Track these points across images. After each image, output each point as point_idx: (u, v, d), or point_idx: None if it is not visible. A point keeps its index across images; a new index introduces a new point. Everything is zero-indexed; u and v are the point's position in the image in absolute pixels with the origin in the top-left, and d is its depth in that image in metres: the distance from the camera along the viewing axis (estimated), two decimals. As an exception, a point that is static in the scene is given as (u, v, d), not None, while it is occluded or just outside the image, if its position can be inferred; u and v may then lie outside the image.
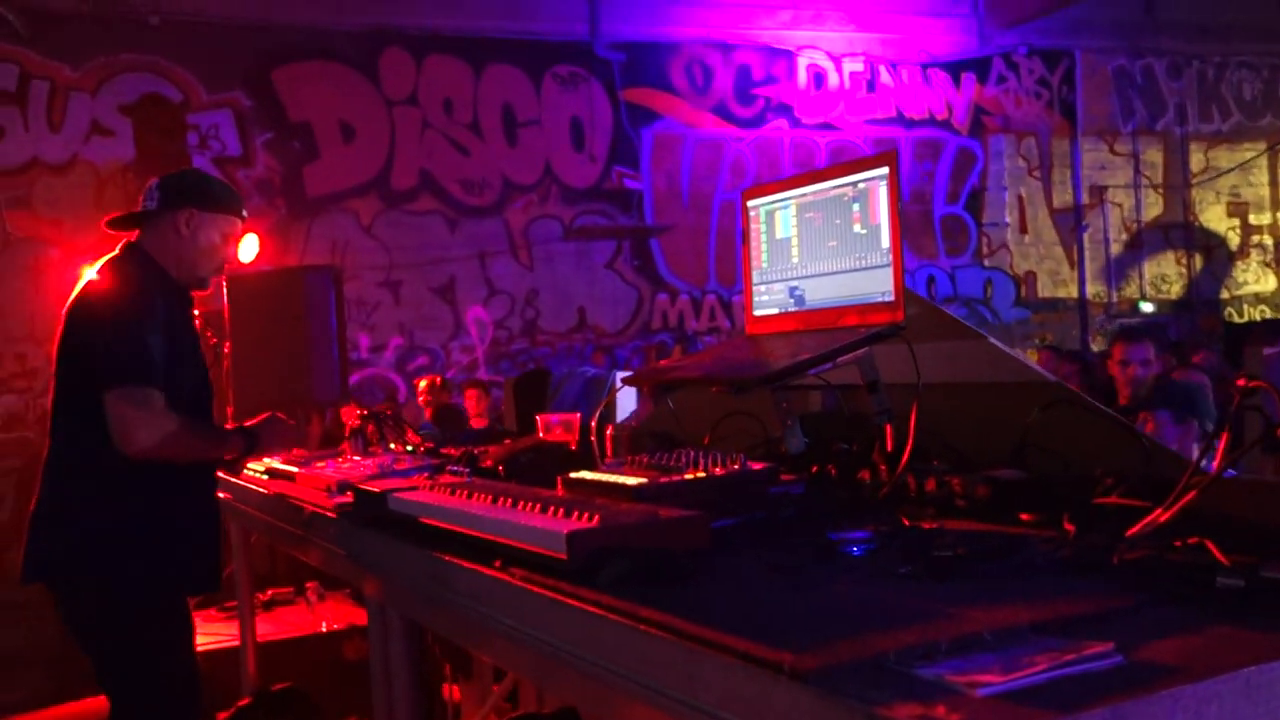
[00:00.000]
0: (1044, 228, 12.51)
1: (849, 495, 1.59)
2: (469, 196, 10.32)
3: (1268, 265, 13.34)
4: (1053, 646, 0.86)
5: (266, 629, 3.44)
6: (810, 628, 0.96)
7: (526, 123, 10.61)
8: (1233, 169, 13.16)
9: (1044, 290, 12.44)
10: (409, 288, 10.03)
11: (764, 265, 1.83)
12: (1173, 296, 13.00)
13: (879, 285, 1.62)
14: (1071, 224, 12.60)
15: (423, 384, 7.99)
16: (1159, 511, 1.20)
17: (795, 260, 1.77)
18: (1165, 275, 13.03)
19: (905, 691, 0.78)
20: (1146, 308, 12.81)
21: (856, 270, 1.65)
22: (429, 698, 3.17)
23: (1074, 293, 12.62)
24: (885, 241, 1.61)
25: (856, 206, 1.64)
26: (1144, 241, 12.88)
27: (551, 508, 1.35)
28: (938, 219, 12.10)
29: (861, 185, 1.64)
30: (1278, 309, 13.16)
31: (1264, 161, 13.27)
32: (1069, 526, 1.27)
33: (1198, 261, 13.09)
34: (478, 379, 9.04)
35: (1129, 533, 1.19)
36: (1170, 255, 13.02)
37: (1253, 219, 13.35)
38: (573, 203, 10.66)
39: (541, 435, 2.35)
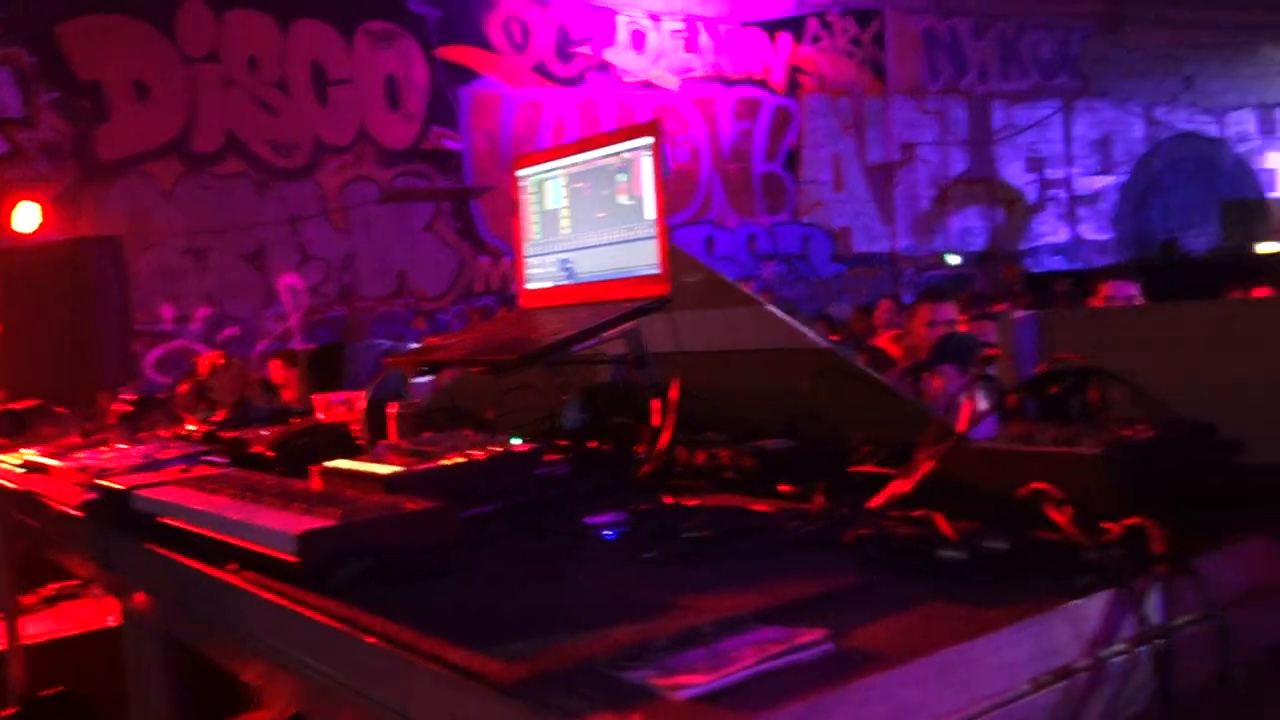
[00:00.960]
0: (858, 184, 12.88)
1: (617, 474, 1.56)
2: (278, 158, 9.91)
3: (1063, 218, 14.11)
4: (768, 637, 0.85)
5: (44, 628, 3.23)
6: (537, 627, 0.93)
7: (338, 81, 10.24)
8: (1031, 126, 13.82)
9: (859, 245, 12.84)
10: (216, 255, 9.58)
11: (535, 237, 1.79)
12: (978, 249, 13.62)
13: (645, 257, 1.60)
14: (884, 180, 13.01)
15: (209, 360, 7.61)
16: (899, 481, 1.21)
17: (566, 232, 1.73)
18: (971, 229, 13.62)
19: (607, 699, 0.76)
20: (953, 260, 13.39)
21: (623, 242, 1.62)
22: None
23: (887, 247, 13.06)
24: (650, 213, 1.58)
25: (622, 177, 1.61)
26: (951, 196, 13.42)
27: (295, 504, 1.28)
28: (757, 177, 12.30)
29: (626, 155, 1.60)
30: (1070, 258, 13.95)
31: (1059, 118, 13.98)
32: (818, 500, 1.28)
33: (1000, 215, 13.74)
34: (288, 349, 8.69)
35: (870, 504, 1.21)
36: (975, 209, 13.62)
37: (1049, 174, 14.07)
38: (390, 164, 10.36)
39: (321, 416, 2.25)
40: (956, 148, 13.43)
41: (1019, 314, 1.60)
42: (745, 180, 12.19)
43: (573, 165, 1.70)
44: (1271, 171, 15.32)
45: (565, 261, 1.74)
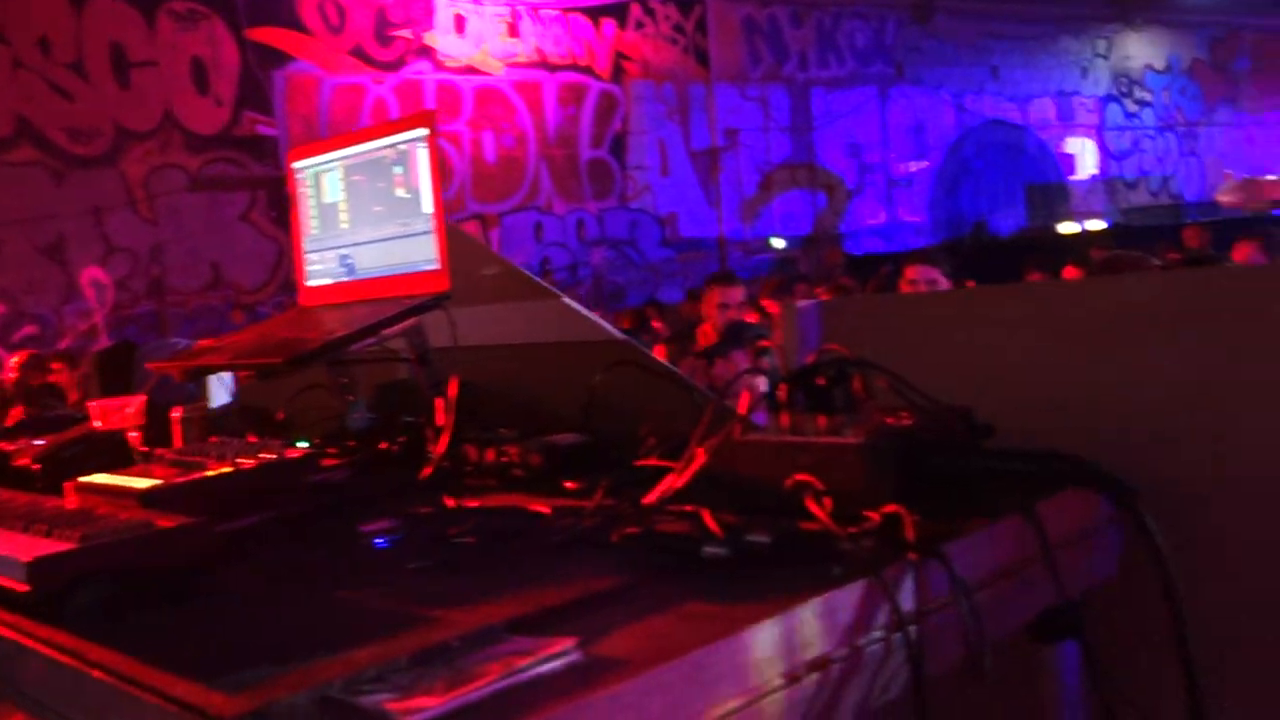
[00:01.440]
0: (684, 169, 13.02)
1: (402, 477, 1.52)
2: (76, 145, 9.33)
3: (881, 201, 14.60)
4: (516, 649, 0.83)
5: None
6: (279, 650, 0.88)
7: (140, 64, 9.70)
8: (849, 113, 14.25)
9: (687, 230, 12.98)
10: (10, 248, 8.96)
11: (314, 231, 1.71)
12: (801, 233, 13.97)
13: (424, 253, 1.55)
14: (710, 166, 13.19)
15: (14, 359, 7.16)
16: (673, 476, 1.21)
17: (344, 226, 1.66)
18: (794, 213, 13.96)
19: (336, 728, 0.72)
20: (778, 244, 13.69)
21: (402, 237, 1.56)
22: None
23: (714, 232, 13.26)
24: (427, 206, 1.53)
25: (398, 169, 1.55)
26: (774, 181, 13.72)
27: (37, 525, 1.18)
28: (584, 163, 12.29)
29: (402, 147, 1.55)
30: (888, 240, 14.46)
31: (875, 105, 14.45)
32: (596, 497, 1.26)
33: (822, 199, 14.12)
34: (65, 350, 8.15)
35: (645, 500, 1.20)
36: (797, 194, 13.96)
37: (867, 159, 14.54)
38: (199, 150, 9.90)
39: (97, 424, 2.11)
40: (778, 133, 13.72)
41: (802, 303, 1.62)
42: (572, 166, 12.16)
43: (349, 157, 1.63)
44: (1070, 156, 16.22)
45: (345, 257, 1.67)
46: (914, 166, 14.83)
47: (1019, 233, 15.05)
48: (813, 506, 1.04)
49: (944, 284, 4.64)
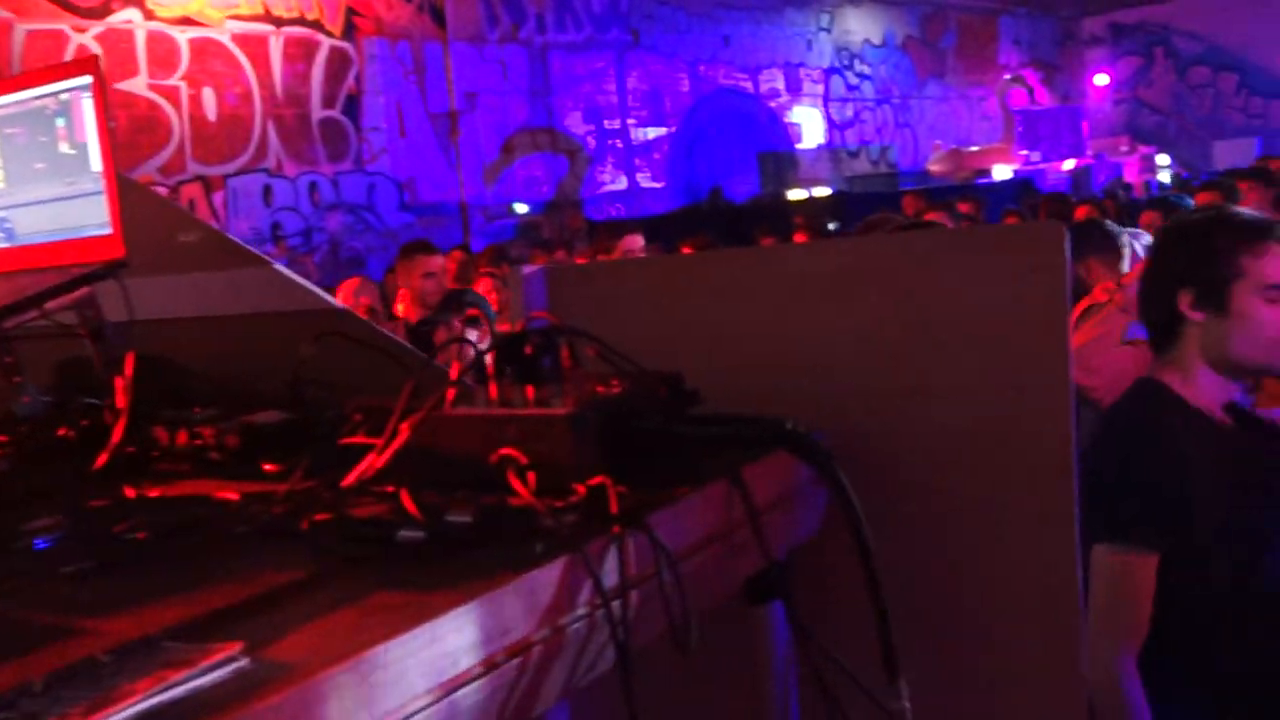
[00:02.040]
0: (422, 132, 12.70)
1: (77, 467, 1.36)
2: None
3: (620, 166, 14.79)
4: (175, 659, 0.74)
5: None
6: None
7: None
8: (588, 77, 14.30)
9: (426, 195, 12.69)
10: None
11: (-34, 192, 1.51)
12: (543, 198, 13.95)
13: (94, 216, 1.39)
14: (449, 129, 12.93)
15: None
16: (373, 455, 1.13)
17: (1, 186, 1.47)
18: (536, 177, 13.91)
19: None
20: (520, 209, 13.63)
21: (68, 198, 1.40)
22: None
23: (455, 196, 13.04)
24: (96, 164, 1.38)
25: (61, 122, 1.38)
26: (515, 146, 13.61)
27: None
28: (315, 123, 11.76)
29: (64, 97, 1.38)
30: (629, 206, 14.68)
31: (613, 71, 14.58)
32: (296, 480, 1.17)
33: (563, 164, 14.14)
34: None
35: (344, 482, 1.12)
36: (539, 158, 13.92)
37: (607, 124, 14.66)
38: None
39: None
40: (518, 97, 13.61)
41: (527, 269, 1.57)
42: (303, 126, 11.61)
43: (3, 107, 1.44)
44: (797, 125, 16.96)
45: (3, 221, 1.48)
46: (652, 133, 15.09)
47: (752, 199, 15.63)
48: (515, 482, 0.99)
49: (643, 253, 4.78)
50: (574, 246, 10.02)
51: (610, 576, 0.94)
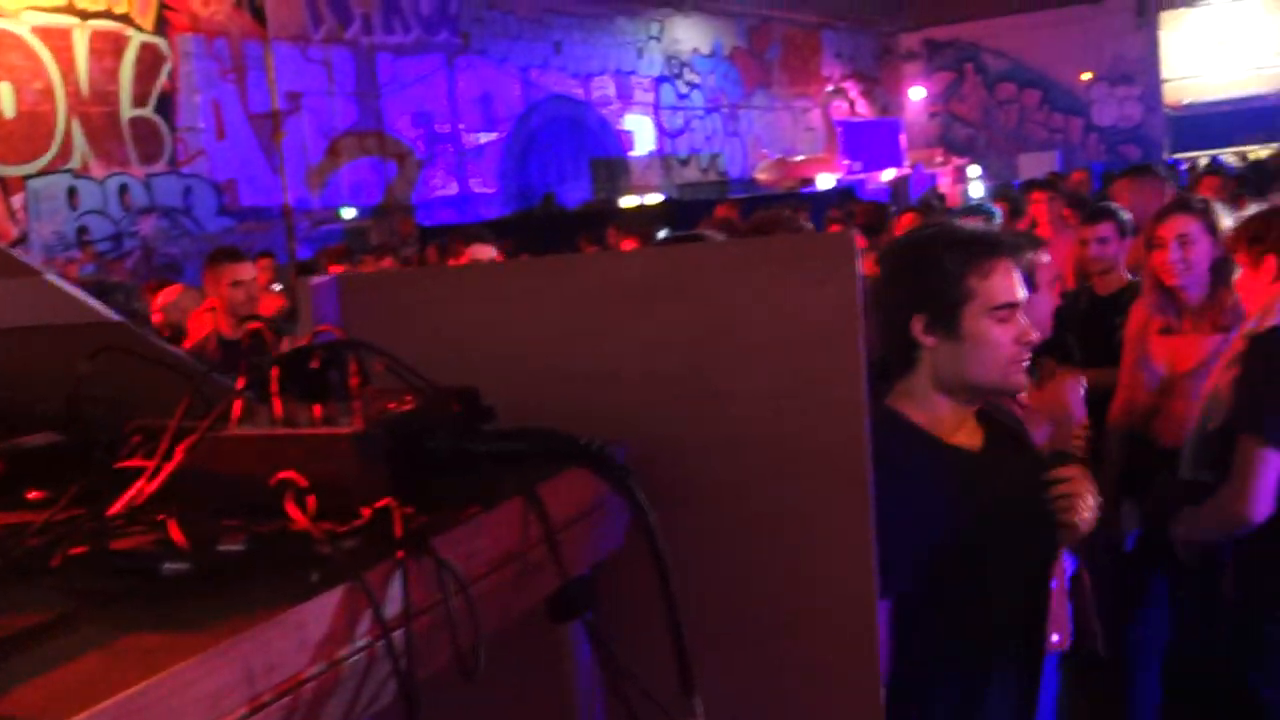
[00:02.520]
0: (243, 133, 12.25)
1: None
2: None
3: (452, 172, 14.60)
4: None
5: None
6: None
7: None
8: (417, 81, 14.07)
9: (247, 198, 12.24)
10: None
11: None
12: (372, 203, 13.65)
13: None
14: (271, 130, 12.50)
15: None
16: (143, 480, 1.06)
17: None
18: (363, 181, 13.60)
19: None
20: (348, 213, 13.29)
21: None
22: None
23: (279, 200, 12.61)
24: None
25: None
26: (342, 149, 13.27)
27: None
28: (125, 122, 11.19)
29: None
30: (460, 211, 14.52)
31: (443, 75, 14.39)
32: (54, 510, 1.08)
33: (392, 168, 13.87)
34: None
35: (111, 510, 1.04)
36: (366, 162, 13.61)
37: (437, 128, 14.46)
38: None
39: None
40: (345, 98, 13.27)
41: (317, 279, 1.50)
42: (112, 125, 11.03)
43: None
44: (629, 133, 17.11)
45: None
46: (483, 138, 14.97)
47: (584, 205, 15.68)
48: (291, 508, 0.94)
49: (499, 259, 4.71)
50: (401, 252, 9.82)
51: (394, 604, 0.90)
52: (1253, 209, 3.25)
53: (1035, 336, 2.02)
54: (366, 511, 0.97)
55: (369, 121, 13.62)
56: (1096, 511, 2.05)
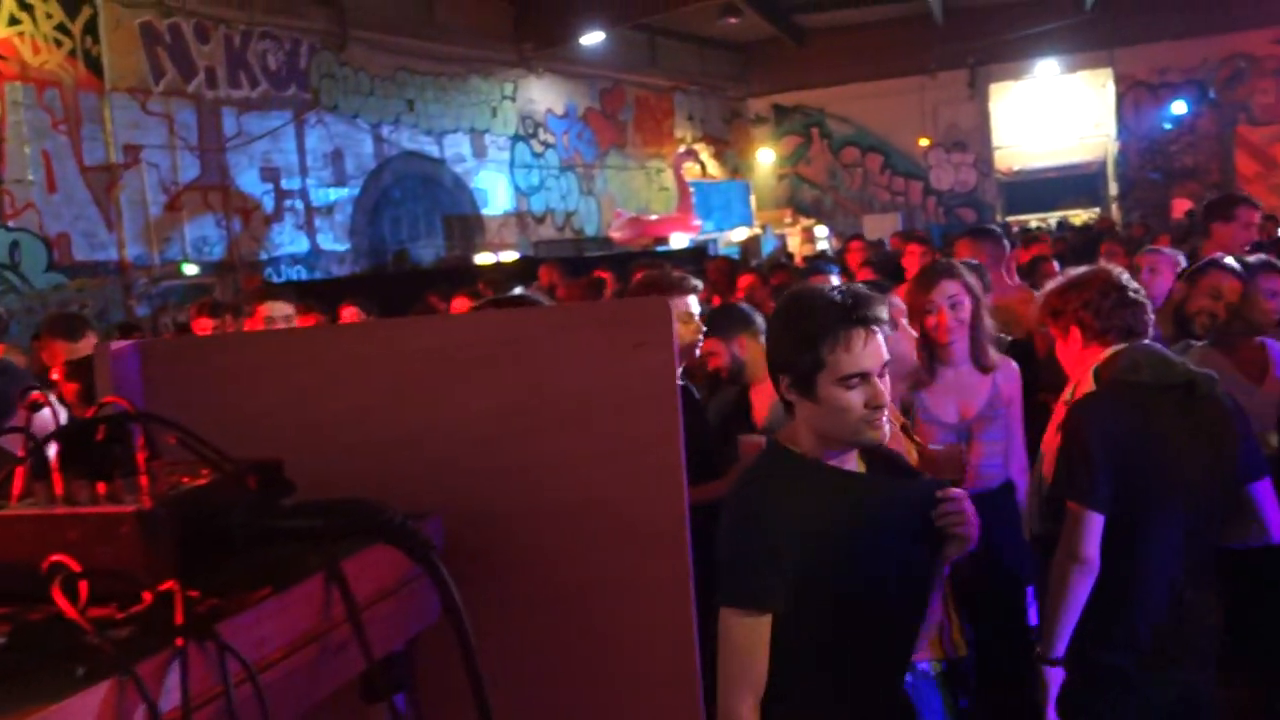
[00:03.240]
0: (76, 186, 11.73)
1: None
2: None
3: (300, 228, 14.28)
4: None
5: None
6: None
7: None
8: (264, 135, 13.75)
9: (80, 254, 11.70)
10: None
11: None
12: (215, 258, 13.21)
13: None
14: (106, 183, 12.01)
15: None
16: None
17: None
18: (207, 237, 13.17)
19: None
20: (190, 270, 12.83)
21: None
22: None
23: (115, 256, 12.09)
24: None
25: None
26: (184, 203, 12.83)
27: None
28: (-55, 174, 10.59)
29: None
30: (311, 267, 14.19)
31: (292, 130, 14.11)
32: None
33: (238, 224, 13.47)
34: None
35: None
36: (210, 217, 13.19)
37: (286, 184, 14.14)
38: None
39: None
40: (187, 153, 12.86)
41: (116, 344, 1.43)
42: (-70, 177, 10.42)
43: None
44: (484, 190, 17.07)
45: None
46: (334, 194, 14.71)
47: (438, 262, 15.53)
48: (58, 596, 0.88)
49: (296, 321, 4.58)
50: (244, 310, 9.52)
51: (172, 696, 0.85)
52: (1053, 282, 3.41)
53: (886, 399, 2.15)
54: (149, 596, 0.91)
55: (214, 176, 13.22)
56: (978, 529, 2.17)
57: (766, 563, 2.06)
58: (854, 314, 2.11)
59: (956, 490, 2.20)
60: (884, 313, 2.19)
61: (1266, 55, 19.78)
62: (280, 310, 4.34)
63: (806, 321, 2.12)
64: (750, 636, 2.05)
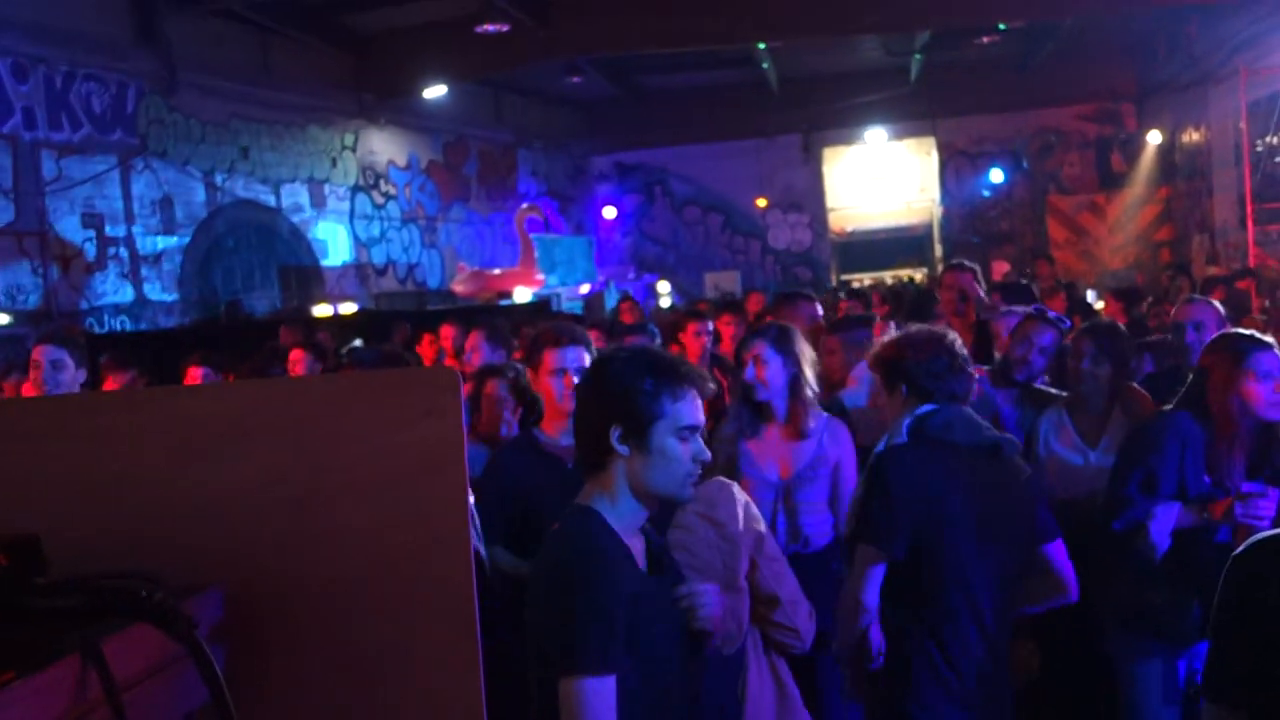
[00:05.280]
0: (-127, 230, 10.98)
1: None
2: None
3: (125, 276, 13.69)
4: None
5: None
6: None
7: None
8: (87, 180, 13.18)
9: (-125, 302, 10.93)
10: None
11: None
12: (30, 308, 12.53)
13: None
14: (-91, 227, 11.29)
15: None
16: None
17: None
18: (22, 285, 12.49)
19: None
20: (2, 319, 12.13)
21: None
22: None
23: (-84, 304, 11.34)
24: None
25: None
26: (-2, 250, 12.17)
27: None
28: None
29: None
30: (136, 317, 13.60)
31: (117, 175, 13.56)
32: None
33: (55, 272, 12.82)
34: None
35: None
36: (26, 264, 12.53)
37: (109, 231, 13.55)
38: None
39: None
40: (0, 196, 12.21)
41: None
42: None
43: None
44: (323, 241, 16.73)
45: None
46: (162, 242, 14.18)
47: (275, 313, 15.10)
48: None
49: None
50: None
51: (-109, 793, 0.80)
52: (888, 336, 3.56)
53: (708, 457, 2.29)
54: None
55: (30, 222, 12.57)
56: (719, 611, 2.25)
57: (606, 624, 2.11)
58: (691, 375, 2.26)
59: (698, 586, 2.33)
60: (706, 381, 2.31)
61: (1073, 130, 21.22)
62: (50, 354, 4.19)
63: (652, 374, 2.22)
64: (606, 700, 2.06)
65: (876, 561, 2.99)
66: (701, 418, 2.28)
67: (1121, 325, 4.76)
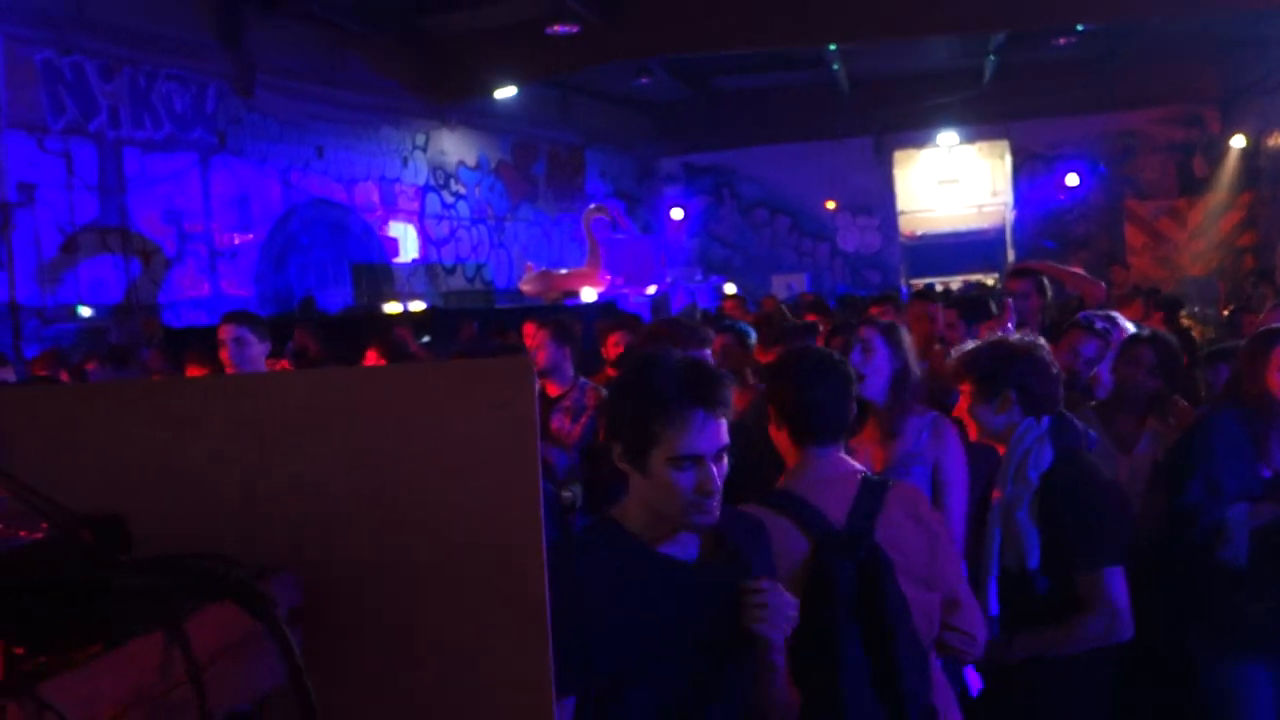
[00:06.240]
0: (-35, 224, 11.37)
1: None
2: None
3: (203, 272, 14.01)
4: None
5: None
6: None
7: None
8: (168, 177, 13.50)
9: (-32, 293, 11.31)
10: None
11: None
12: (112, 301, 12.87)
13: None
14: (1, 223, 11.66)
15: None
16: None
17: None
18: (104, 279, 12.84)
19: None
20: (85, 312, 12.48)
21: None
22: None
23: (5, 297, 11.71)
24: None
25: None
26: (80, 244, 12.51)
27: None
28: None
29: None
30: (212, 313, 13.89)
31: (196, 173, 13.88)
32: None
33: (137, 266, 13.16)
34: None
35: None
36: (108, 259, 12.87)
37: (188, 227, 13.87)
38: None
39: None
40: (85, 192, 12.56)
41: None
42: None
43: None
44: (394, 240, 16.97)
45: None
46: (238, 239, 14.48)
47: (348, 309, 15.34)
48: None
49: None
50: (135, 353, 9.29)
51: (-16, 759, 0.82)
52: (969, 344, 3.52)
53: (717, 486, 2.03)
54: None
55: (113, 218, 12.91)
56: (794, 623, 2.08)
57: (573, 645, 1.86)
58: (695, 393, 2.00)
59: (766, 581, 2.09)
60: (728, 397, 2.05)
61: (1152, 133, 20.75)
62: (233, 333, 4.33)
63: (646, 392, 2.02)
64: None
65: None
66: (708, 445, 2.00)
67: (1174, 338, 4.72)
